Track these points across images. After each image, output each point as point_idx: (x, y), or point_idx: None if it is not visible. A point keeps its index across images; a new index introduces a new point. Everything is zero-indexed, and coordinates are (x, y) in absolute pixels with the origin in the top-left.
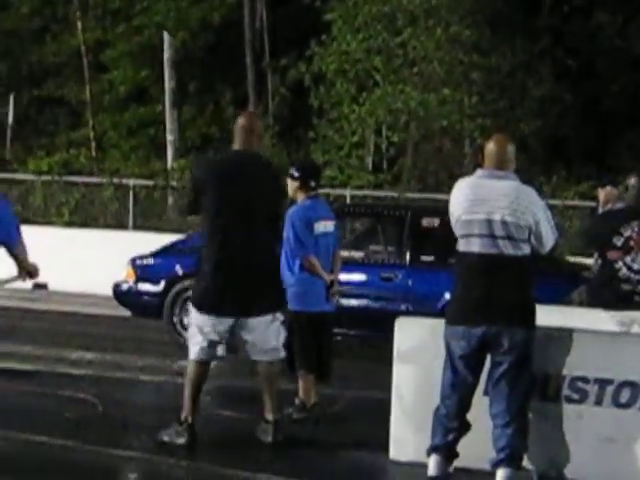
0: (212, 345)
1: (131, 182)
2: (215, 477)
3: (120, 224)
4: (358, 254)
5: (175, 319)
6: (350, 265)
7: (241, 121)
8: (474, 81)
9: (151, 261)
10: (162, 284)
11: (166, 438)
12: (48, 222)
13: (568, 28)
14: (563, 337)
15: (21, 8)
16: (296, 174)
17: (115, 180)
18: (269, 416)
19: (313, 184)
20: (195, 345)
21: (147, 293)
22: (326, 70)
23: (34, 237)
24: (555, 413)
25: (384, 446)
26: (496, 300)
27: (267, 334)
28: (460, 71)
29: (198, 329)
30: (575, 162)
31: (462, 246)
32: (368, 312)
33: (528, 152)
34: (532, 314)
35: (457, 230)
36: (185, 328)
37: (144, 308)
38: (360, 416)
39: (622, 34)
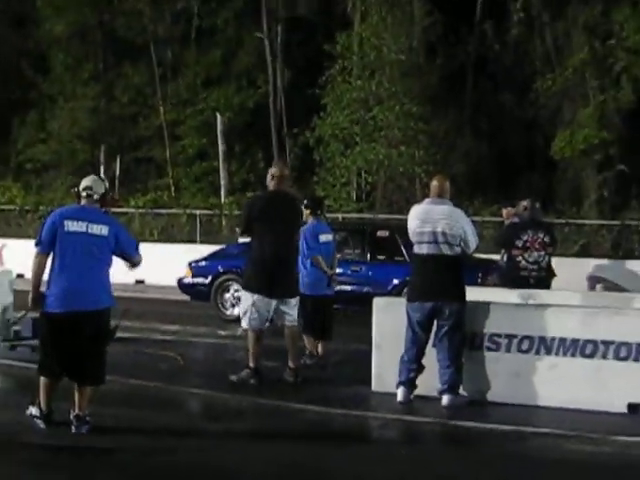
0: (264, 318)
1: (197, 212)
2: (254, 405)
3: (191, 240)
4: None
5: (218, 301)
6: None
7: (274, 170)
8: (421, 141)
9: (202, 263)
10: (209, 278)
11: (234, 378)
12: (144, 240)
13: (483, 102)
14: (484, 307)
15: (122, 99)
16: (309, 205)
17: (187, 211)
18: (291, 364)
19: (319, 212)
20: (253, 320)
21: (200, 284)
22: (324, 135)
23: None
24: (480, 358)
25: (368, 381)
26: (439, 284)
27: (295, 309)
28: (411, 134)
29: (255, 308)
30: (489, 192)
31: (416, 249)
32: (344, 293)
33: (457, 185)
34: (463, 293)
35: (412, 238)
36: (225, 308)
37: (198, 295)
38: (350, 361)
39: (519, 106)
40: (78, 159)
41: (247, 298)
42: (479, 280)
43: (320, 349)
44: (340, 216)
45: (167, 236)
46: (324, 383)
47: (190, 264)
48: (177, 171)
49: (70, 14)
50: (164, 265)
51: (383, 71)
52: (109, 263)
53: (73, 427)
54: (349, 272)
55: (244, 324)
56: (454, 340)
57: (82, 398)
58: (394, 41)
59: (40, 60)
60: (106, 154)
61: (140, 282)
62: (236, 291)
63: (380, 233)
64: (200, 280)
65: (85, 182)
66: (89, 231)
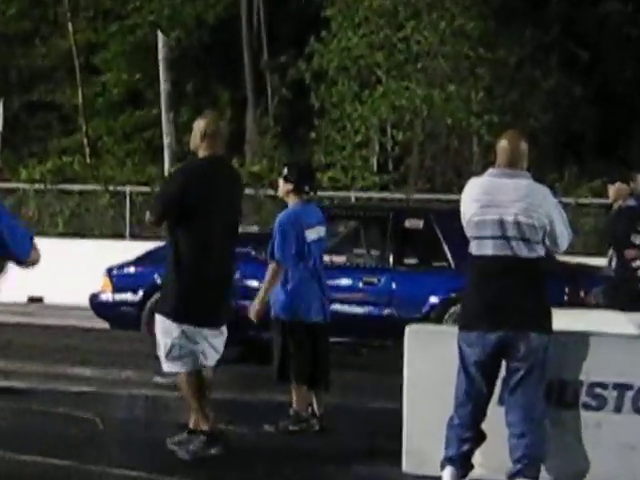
0: (199, 352)
1: (127, 189)
2: None
3: (117, 233)
4: (340, 258)
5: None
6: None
7: (204, 124)
8: (481, 76)
9: (129, 270)
10: (140, 294)
11: (183, 453)
12: (42, 233)
13: (577, 17)
14: (580, 341)
15: (8, 10)
16: (290, 177)
17: (111, 187)
18: (206, 426)
19: (307, 189)
20: (185, 358)
21: (125, 303)
22: (327, 68)
23: None
24: (573, 421)
25: (396, 458)
26: (511, 304)
27: (222, 341)
28: (466, 66)
29: (186, 341)
30: (587, 157)
31: (474, 248)
32: (353, 318)
33: (539, 148)
34: (548, 317)
35: (468, 232)
36: None
37: (122, 319)
38: (367, 426)
39: (632, 22)
40: None
41: (171, 329)
42: (565, 297)
43: (316, 405)
44: (352, 195)
45: (79, 227)
46: (326, 460)
47: (110, 272)
48: (95, 124)
49: None
50: (73, 273)
51: None
52: None
53: None
54: (360, 285)
55: (170, 367)
56: (533, 393)
57: None
58: None
59: None
60: None
61: (36, 300)
62: None
63: (410, 223)
64: (125, 296)
65: None
66: None
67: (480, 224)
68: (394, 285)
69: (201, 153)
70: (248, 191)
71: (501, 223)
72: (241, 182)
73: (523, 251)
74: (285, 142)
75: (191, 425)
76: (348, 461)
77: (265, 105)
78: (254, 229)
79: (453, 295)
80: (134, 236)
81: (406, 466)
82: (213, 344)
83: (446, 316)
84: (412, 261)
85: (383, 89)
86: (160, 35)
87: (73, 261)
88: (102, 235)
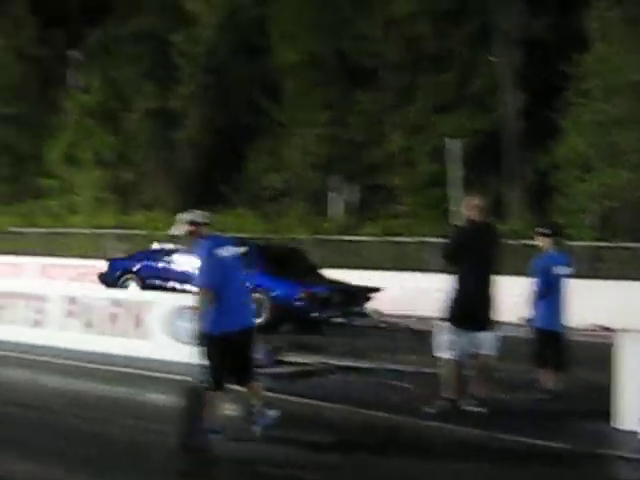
0: (465, 348)
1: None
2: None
3: None
4: None
5: None
6: None
7: (477, 201)
8: None
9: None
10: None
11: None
12: None
13: None
14: None
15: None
16: (546, 232)
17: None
18: (454, 396)
19: (558, 239)
20: (453, 349)
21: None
22: (562, 160)
23: None
24: None
25: (606, 417)
26: None
27: (490, 339)
28: None
29: (456, 337)
30: None
31: None
32: None
33: None
34: None
35: None
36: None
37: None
38: (581, 393)
39: None
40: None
41: (449, 330)
42: None
43: (551, 382)
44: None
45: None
46: (547, 416)
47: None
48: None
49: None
50: None
51: (623, 93)
52: None
53: None
54: None
55: (442, 353)
56: None
57: None
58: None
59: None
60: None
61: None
62: None
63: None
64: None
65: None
66: None
67: None
68: None
69: (471, 217)
70: (511, 242)
71: None
72: (499, 238)
73: None
74: (532, 209)
75: (448, 395)
76: (565, 417)
77: (522, 186)
78: None
79: None
80: None
81: (614, 422)
82: (483, 340)
83: None
84: None
85: (597, 174)
86: (452, 140)
87: None
88: None
